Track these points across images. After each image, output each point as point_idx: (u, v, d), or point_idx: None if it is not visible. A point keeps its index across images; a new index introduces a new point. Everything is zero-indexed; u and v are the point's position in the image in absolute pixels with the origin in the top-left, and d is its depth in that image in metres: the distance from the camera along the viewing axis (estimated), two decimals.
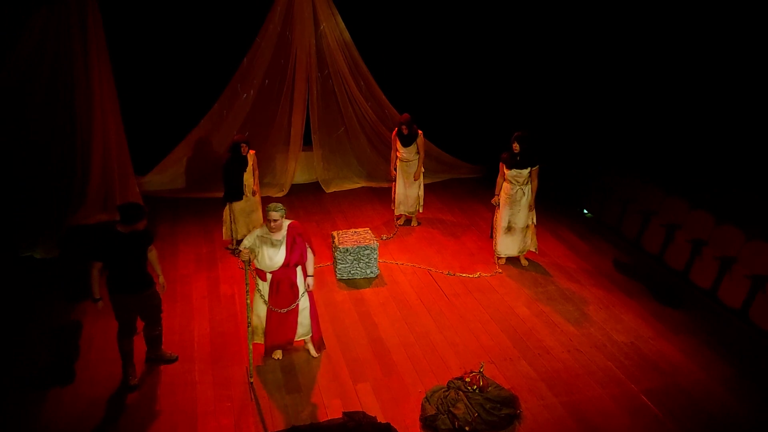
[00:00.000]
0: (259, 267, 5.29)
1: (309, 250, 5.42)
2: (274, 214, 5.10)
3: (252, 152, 7.48)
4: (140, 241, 5.09)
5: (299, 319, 5.51)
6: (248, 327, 5.30)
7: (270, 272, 5.29)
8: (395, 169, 8.27)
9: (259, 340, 5.56)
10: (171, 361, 5.61)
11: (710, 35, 7.82)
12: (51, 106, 8.13)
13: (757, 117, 7.40)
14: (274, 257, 5.22)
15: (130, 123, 8.66)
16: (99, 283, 5.05)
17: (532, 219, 7.25)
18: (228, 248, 7.75)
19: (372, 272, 7.18)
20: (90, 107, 8.19)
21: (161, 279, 5.39)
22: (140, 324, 5.35)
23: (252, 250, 5.20)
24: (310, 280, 5.46)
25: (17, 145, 7.98)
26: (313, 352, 5.76)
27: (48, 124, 8.16)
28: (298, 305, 5.42)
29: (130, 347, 5.26)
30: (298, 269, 5.40)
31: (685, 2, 8.03)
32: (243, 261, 5.11)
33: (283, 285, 5.30)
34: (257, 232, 5.25)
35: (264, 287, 5.35)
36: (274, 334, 5.46)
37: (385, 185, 9.85)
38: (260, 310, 5.45)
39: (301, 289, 5.44)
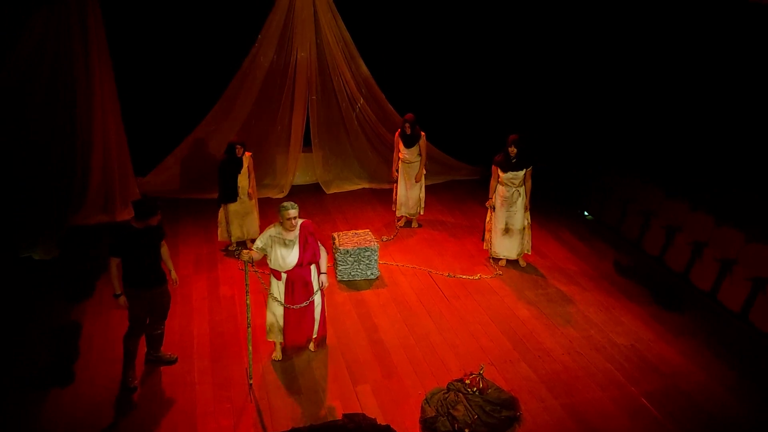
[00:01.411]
0: (272, 267, 5.31)
1: (322, 248, 5.49)
2: (293, 212, 5.15)
3: (248, 154, 7.41)
4: (154, 237, 5.14)
5: (314, 316, 5.57)
6: (247, 328, 5.30)
7: (285, 272, 5.31)
8: (397, 171, 8.26)
9: (275, 338, 5.58)
10: (171, 362, 5.62)
11: (709, 35, 7.81)
12: (51, 106, 8.12)
13: (756, 117, 7.39)
14: (287, 257, 5.24)
15: (130, 123, 8.66)
16: (118, 279, 5.09)
17: (528, 220, 7.26)
18: (228, 249, 7.74)
19: (372, 274, 7.17)
20: (90, 107, 8.19)
21: (173, 274, 5.46)
22: None
23: (264, 250, 5.24)
24: (323, 277, 5.53)
25: (17, 145, 7.97)
26: (311, 346, 5.82)
27: (48, 124, 8.14)
28: (313, 301, 5.47)
29: (136, 347, 5.27)
30: (312, 268, 5.46)
31: (685, 3, 8.03)
32: (243, 261, 5.13)
33: (297, 284, 5.36)
34: (270, 232, 5.25)
35: (279, 287, 5.37)
36: (294, 332, 5.50)
37: (386, 186, 9.85)
38: (275, 308, 5.47)
39: (315, 286, 5.49)
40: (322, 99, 9.75)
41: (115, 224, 8.06)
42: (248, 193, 7.47)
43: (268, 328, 5.57)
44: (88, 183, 8.38)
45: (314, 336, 5.70)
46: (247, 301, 5.21)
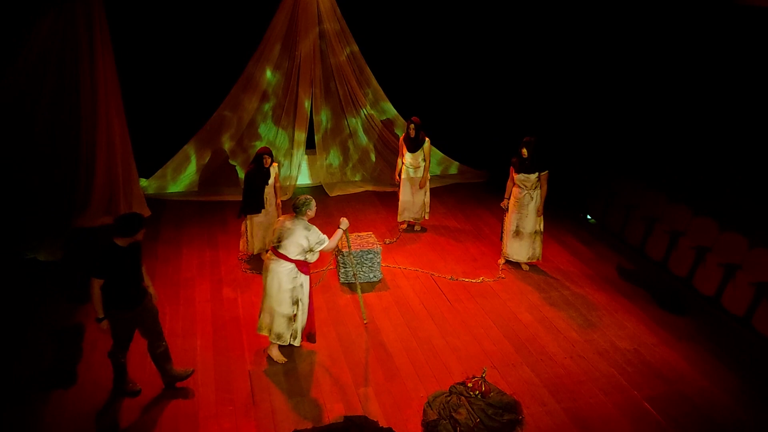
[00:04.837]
0: (310, 261, 5.47)
1: None
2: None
3: (276, 164, 7.18)
4: (138, 252, 4.94)
5: None
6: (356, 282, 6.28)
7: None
8: (399, 176, 8.23)
9: (296, 341, 5.61)
10: (187, 376, 5.38)
11: (713, 40, 7.82)
12: (56, 108, 8.15)
13: (757, 119, 7.39)
14: None
15: (134, 126, 8.69)
16: (101, 302, 4.82)
17: (540, 225, 7.24)
18: (240, 258, 7.66)
19: (375, 276, 7.17)
20: (95, 110, 8.21)
21: (152, 289, 5.17)
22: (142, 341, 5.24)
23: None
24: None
25: (23, 147, 8.00)
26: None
27: (53, 126, 8.17)
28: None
29: (125, 360, 5.14)
30: None
31: (689, 10, 8.04)
32: (342, 229, 5.63)
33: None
34: (314, 226, 5.43)
35: (307, 282, 5.53)
36: (312, 318, 5.70)
37: (389, 189, 9.87)
38: (302, 307, 5.55)
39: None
40: (325, 102, 9.77)
41: (102, 231, 7.89)
42: (276, 204, 7.24)
43: (291, 338, 5.56)
44: (92, 185, 8.40)
45: None
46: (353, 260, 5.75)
